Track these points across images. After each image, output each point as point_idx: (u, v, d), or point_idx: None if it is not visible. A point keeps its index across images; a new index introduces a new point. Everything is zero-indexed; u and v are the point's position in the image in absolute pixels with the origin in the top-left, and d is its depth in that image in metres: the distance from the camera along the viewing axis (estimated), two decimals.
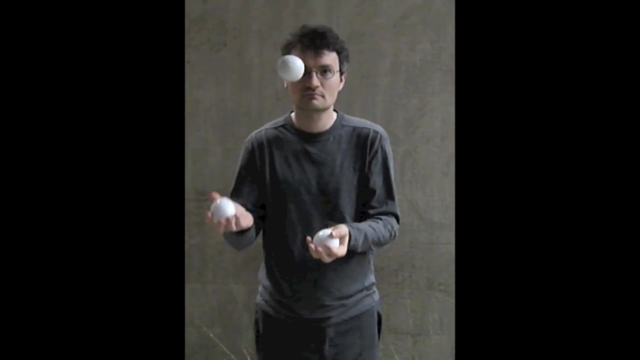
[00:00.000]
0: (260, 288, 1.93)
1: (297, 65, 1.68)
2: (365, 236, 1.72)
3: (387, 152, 1.84)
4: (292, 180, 1.79)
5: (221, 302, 3.25)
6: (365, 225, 1.75)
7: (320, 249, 1.58)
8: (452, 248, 3.02)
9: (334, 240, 1.59)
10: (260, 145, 1.82)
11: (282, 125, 1.85)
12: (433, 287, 3.13)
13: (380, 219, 1.80)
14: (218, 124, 3.21)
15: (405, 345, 3.15)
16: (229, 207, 1.58)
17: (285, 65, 1.68)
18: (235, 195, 1.81)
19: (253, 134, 1.87)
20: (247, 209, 1.72)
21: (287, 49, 1.78)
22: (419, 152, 3.10)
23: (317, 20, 2.96)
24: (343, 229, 1.63)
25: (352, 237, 1.67)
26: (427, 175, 3.10)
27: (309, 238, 1.61)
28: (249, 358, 3.17)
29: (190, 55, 3.17)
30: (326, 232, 1.59)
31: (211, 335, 3.23)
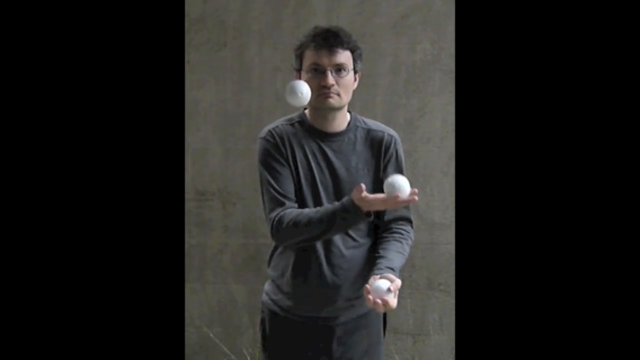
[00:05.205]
0: (267, 286, 1.92)
1: (304, 90, 1.68)
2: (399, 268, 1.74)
3: (401, 156, 1.86)
4: (312, 178, 1.78)
5: (221, 302, 3.25)
6: (396, 258, 1.75)
7: (378, 301, 1.57)
8: (452, 248, 3.02)
9: (391, 294, 1.59)
10: (281, 137, 1.79)
11: (298, 122, 1.82)
12: (433, 287, 3.13)
13: (402, 235, 1.82)
14: (218, 124, 3.21)
15: (405, 345, 3.15)
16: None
17: (293, 90, 1.68)
18: (284, 191, 1.76)
19: (269, 127, 1.83)
20: (294, 201, 1.75)
21: (301, 49, 1.78)
22: (419, 152, 3.10)
23: (317, 21, 2.96)
24: (397, 282, 1.62)
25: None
26: (427, 175, 3.10)
27: (368, 287, 1.60)
28: (249, 358, 3.17)
29: (190, 55, 3.17)
30: (383, 286, 1.59)
31: (211, 335, 3.23)
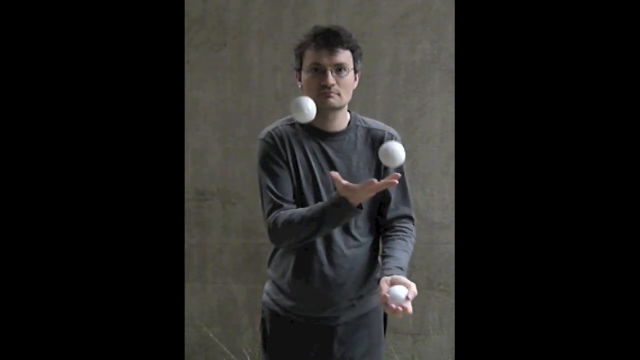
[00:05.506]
0: (267, 287, 1.92)
1: (310, 107, 1.68)
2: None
3: None
4: (313, 178, 1.78)
5: (221, 302, 3.25)
6: (404, 257, 1.76)
7: (400, 309, 1.57)
8: (452, 248, 3.02)
9: (409, 303, 1.58)
10: (281, 139, 1.79)
11: (298, 122, 1.81)
12: (433, 287, 3.13)
13: (405, 234, 1.83)
14: (218, 124, 3.21)
15: (405, 345, 3.15)
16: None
17: (299, 107, 1.67)
18: (282, 193, 1.76)
19: (269, 128, 1.82)
20: (292, 203, 1.75)
21: (301, 49, 1.78)
22: (419, 152, 3.10)
23: (317, 21, 2.96)
24: (414, 289, 1.61)
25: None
26: (427, 175, 3.10)
27: (387, 295, 1.58)
28: (249, 358, 3.17)
29: (190, 55, 3.17)
30: (402, 295, 1.58)
31: (211, 335, 3.23)
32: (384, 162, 1.66)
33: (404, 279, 1.63)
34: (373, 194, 1.64)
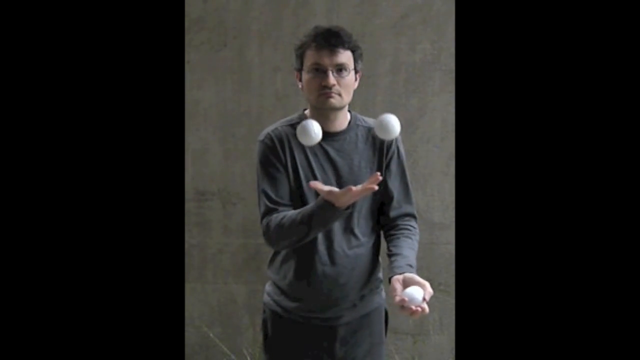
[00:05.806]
0: (268, 287, 1.92)
1: (316, 130, 1.67)
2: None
3: (403, 153, 1.87)
4: (314, 178, 1.78)
5: (221, 302, 3.25)
6: (411, 255, 1.77)
7: (419, 309, 1.57)
8: (452, 248, 3.02)
9: (425, 304, 1.59)
10: (280, 140, 1.79)
11: (298, 123, 1.80)
12: (433, 287, 3.09)
13: (410, 231, 1.84)
14: (218, 124, 3.21)
15: (405, 345, 3.15)
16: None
17: (306, 131, 1.66)
18: (278, 197, 1.76)
19: (269, 130, 1.82)
20: (287, 206, 1.76)
21: (302, 49, 1.78)
22: (419, 152, 3.10)
23: (317, 21, 2.96)
24: (429, 289, 1.61)
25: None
26: (427, 175, 3.10)
27: (404, 298, 1.57)
28: (249, 358, 3.17)
29: (190, 55, 3.17)
30: (418, 297, 1.58)
31: (211, 335, 3.23)
32: (379, 134, 1.66)
33: (418, 278, 1.63)
34: (357, 198, 1.63)
